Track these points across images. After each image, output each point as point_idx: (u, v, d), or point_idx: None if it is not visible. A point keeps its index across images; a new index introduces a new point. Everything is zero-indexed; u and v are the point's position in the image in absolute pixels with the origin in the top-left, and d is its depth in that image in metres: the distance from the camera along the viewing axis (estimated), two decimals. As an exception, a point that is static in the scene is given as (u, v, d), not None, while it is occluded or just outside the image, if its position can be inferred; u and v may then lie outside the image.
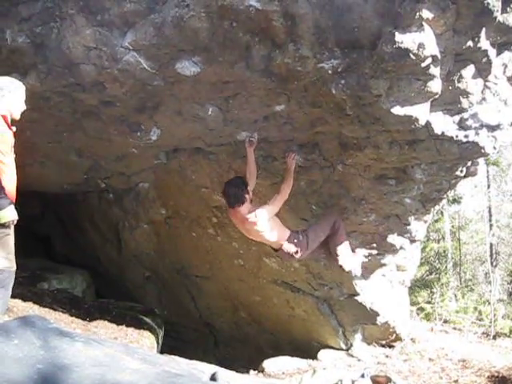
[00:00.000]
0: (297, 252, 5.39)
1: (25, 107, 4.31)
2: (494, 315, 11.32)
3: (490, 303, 12.34)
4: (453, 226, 19.49)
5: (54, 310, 6.87)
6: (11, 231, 4.17)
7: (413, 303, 12.86)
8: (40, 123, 5.41)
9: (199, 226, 7.61)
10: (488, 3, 3.73)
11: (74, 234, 9.80)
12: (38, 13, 4.21)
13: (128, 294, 9.75)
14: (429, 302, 13.69)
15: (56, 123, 5.38)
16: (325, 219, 5.74)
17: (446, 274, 16.71)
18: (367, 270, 7.25)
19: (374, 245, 6.60)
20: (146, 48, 4.16)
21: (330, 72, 4.07)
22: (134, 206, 8.01)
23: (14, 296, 5.08)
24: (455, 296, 15.20)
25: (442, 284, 15.49)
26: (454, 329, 11.36)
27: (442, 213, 17.54)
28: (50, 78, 4.70)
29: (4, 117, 4.15)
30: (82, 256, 10.07)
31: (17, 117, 4.28)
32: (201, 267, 8.73)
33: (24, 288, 7.08)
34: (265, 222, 5.12)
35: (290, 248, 5.38)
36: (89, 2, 4.01)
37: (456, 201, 16.73)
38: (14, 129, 4.23)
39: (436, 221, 17.35)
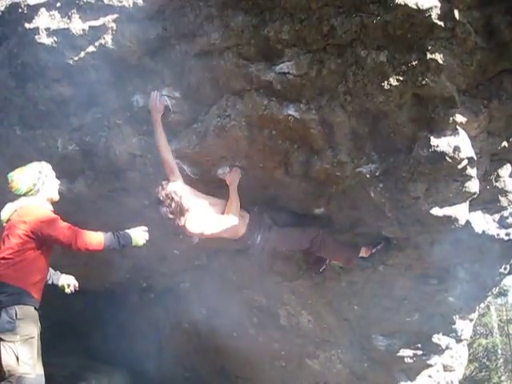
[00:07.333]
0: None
1: (58, 182, 4.06)
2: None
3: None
4: (500, 320, 18.69)
5: (93, 413, 6.78)
6: None
7: (463, 405, 12.21)
8: (85, 225, 5.56)
9: (240, 327, 7.52)
10: (519, 106, 3.84)
11: (114, 331, 9.77)
12: (88, 123, 4.49)
13: (166, 395, 9.55)
14: (481, 404, 13.00)
15: (101, 225, 5.52)
16: (301, 231, 4.90)
17: (496, 372, 15.88)
18: (412, 371, 6.99)
19: (419, 345, 6.39)
20: (188, 155, 4.34)
21: (368, 176, 4.15)
22: (175, 306, 8.00)
23: (55, 398, 5.05)
24: (509, 397, 14.38)
25: (494, 383, 14.71)
26: (510, 434, 10.67)
27: (488, 306, 16.94)
28: (97, 184, 4.92)
29: None
30: (120, 354, 9.98)
31: (56, 198, 4.05)
32: (242, 368, 8.52)
33: (63, 388, 7.07)
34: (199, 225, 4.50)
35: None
36: (135, 113, 4.26)
37: (502, 293, 16.21)
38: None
39: (482, 315, 16.72)
